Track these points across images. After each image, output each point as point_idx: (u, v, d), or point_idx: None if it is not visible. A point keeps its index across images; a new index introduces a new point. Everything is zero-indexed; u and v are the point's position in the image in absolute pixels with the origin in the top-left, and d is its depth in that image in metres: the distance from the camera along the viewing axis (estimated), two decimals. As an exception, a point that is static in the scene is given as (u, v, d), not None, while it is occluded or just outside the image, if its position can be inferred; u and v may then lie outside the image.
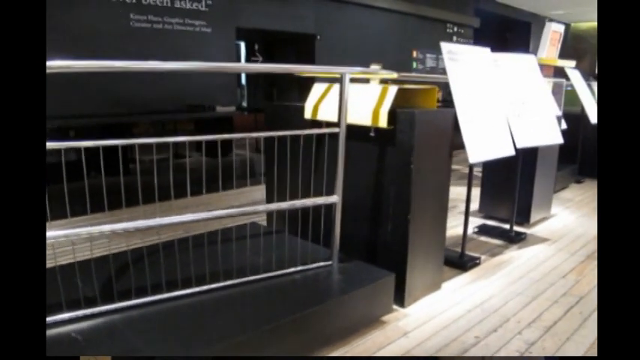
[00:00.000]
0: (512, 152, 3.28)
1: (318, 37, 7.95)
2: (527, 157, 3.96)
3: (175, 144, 4.25)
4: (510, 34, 12.41)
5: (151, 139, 2.17)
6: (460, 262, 3.27)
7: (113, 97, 5.34)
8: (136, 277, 2.32)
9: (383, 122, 2.51)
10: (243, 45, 8.97)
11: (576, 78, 5.54)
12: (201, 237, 2.92)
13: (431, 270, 2.83)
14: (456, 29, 10.55)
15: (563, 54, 5.64)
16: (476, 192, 4.54)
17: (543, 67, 5.24)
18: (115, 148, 2.06)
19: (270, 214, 3.55)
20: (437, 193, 2.74)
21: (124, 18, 5.51)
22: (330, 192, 2.52)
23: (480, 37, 10.96)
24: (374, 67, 2.79)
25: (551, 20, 6.45)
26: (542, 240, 3.86)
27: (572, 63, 5.39)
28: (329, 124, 2.80)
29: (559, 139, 3.77)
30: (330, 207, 2.55)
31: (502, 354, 2.26)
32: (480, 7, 10.89)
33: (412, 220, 2.58)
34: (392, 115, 2.51)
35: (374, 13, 8.65)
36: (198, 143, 5.44)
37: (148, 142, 2.16)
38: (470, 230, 4.03)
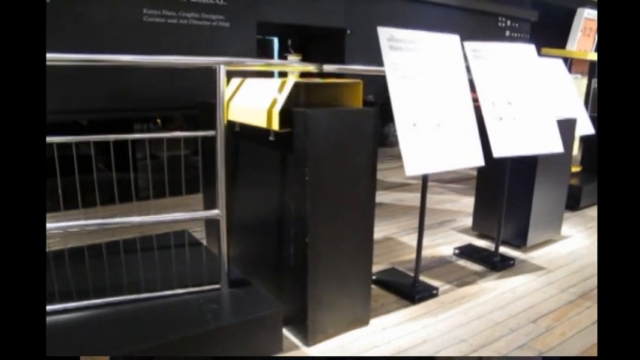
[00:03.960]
0: (480, 163, 2.69)
1: (348, 31, 7.50)
2: (522, 168, 3.31)
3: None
4: (575, 27, 11.15)
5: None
6: (410, 292, 2.74)
7: (116, 91, 5.24)
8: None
9: (275, 124, 2.08)
10: (276, 41, 8.73)
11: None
12: (99, 247, 2.66)
13: (350, 302, 2.35)
14: (509, 23, 9.60)
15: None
16: (471, 204, 3.93)
17: (573, 62, 4.47)
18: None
19: (206, 222, 3.21)
20: (354, 212, 2.25)
21: (136, 13, 5.40)
22: (212, 205, 2.13)
23: (538, 32, 9.90)
24: (292, 58, 2.37)
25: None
26: (534, 269, 3.20)
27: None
28: (242, 125, 2.42)
29: (557, 148, 3.09)
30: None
31: None
32: (539, -1, 9.84)
33: (314, 244, 2.13)
34: (287, 115, 2.07)
35: (412, 6, 8.02)
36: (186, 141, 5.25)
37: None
38: (449, 252, 3.45)
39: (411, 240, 3.67)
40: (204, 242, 3.06)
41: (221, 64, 1.95)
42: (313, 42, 8.38)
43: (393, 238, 3.72)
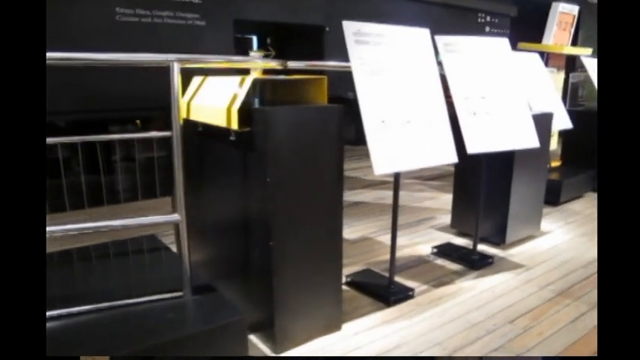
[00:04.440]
0: (453, 159, 2.62)
1: (327, 28, 7.42)
2: (499, 163, 3.25)
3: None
4: (555, 22, 11.17)
5: None
6: (385, 293, 2.65)
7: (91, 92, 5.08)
8: None
9: (234, 123, 1.98)
10: (255, 39, 8.60)
11: (594, 68, 4.65)
12: (52, 256, 2.54)
13: (320, 307, 2.26)
14: (488, 19, 9.60)
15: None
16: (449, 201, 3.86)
17: (550, 56, 4.43)
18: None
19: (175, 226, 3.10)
20: (320, 213, 2.16)
21: (109, 12, 5.25)
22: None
23: (519, 28, 9.91)
24: (253, 54, 2.27)
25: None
26: (514, 266, 3.14)
27: (588, 50, 4.52)
28: (205, 125, 2.32)
29: (533, 143, 3.03)
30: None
31: None
32: (519, -6, 9.85)
33: (279, 247, 2.03)
34: (247, 113, 1.98)
35: (392, 3, 7.96)
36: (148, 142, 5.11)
37: None
38: (428, 251, 3.37)
39: (389, 240, 3.59)
40: (174, 247, 2.95)
41: (174, 61, 1.85)
42: (292, 40, 8.27)
43: (370, 237, 3.64)
